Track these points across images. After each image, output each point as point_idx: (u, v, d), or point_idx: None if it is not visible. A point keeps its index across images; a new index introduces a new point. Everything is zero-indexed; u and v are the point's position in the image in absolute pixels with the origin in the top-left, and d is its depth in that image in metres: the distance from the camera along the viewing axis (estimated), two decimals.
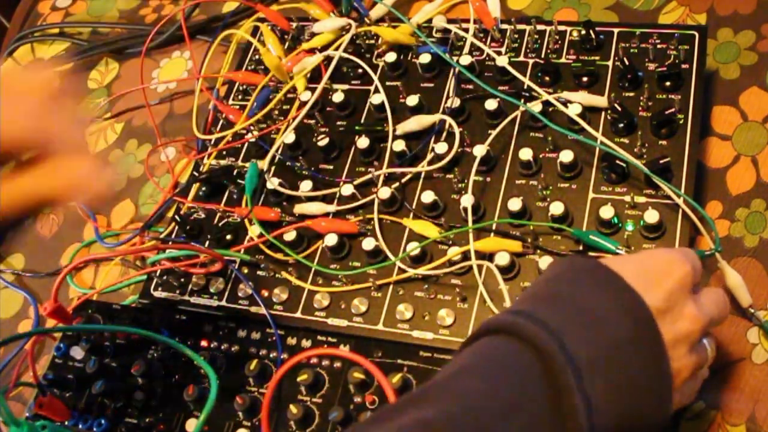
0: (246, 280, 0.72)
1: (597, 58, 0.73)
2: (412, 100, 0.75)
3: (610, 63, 0.73)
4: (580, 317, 0.46)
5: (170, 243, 0.77)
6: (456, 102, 0.74)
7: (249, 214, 0.74)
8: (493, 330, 0.47)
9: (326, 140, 0.76)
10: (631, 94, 0.70)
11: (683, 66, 0.70)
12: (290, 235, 0.71)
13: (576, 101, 0.69)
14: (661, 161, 0.64)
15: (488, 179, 0.70)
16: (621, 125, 0.68)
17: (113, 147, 0.94)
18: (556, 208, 0.65)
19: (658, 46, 0.72)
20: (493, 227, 0.68)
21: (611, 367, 0.44)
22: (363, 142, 0.74)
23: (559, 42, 0.76)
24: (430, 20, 0.82)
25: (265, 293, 0.71)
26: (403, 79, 0.79)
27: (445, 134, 0.74)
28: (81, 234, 0.89)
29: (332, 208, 0.73)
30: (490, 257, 0.65)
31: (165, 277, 0.75)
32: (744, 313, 0.61)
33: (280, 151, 0.78)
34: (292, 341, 0.68)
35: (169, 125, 0.93)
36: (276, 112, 0.82)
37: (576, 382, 0.43)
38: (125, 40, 1.02)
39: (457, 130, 0.72)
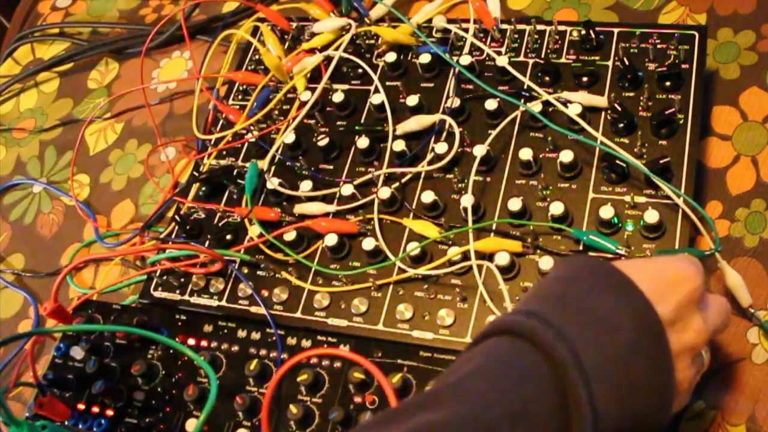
0: (246, 280, 0.72)
1: (597, 58, 0.73)
2: (412, 100, 0.75)
3: (610, 63, 0.73)
4: (593, 324, 0.45)
5: (170, 243, 0.77)
6: (456, 102, 0.74)
7: (249, 214, 0.74)
8: (505, 330, 0.46)
9: (326, 140, 0.76)
10: (631, 94, 0.70)
11: (683, 66, 0.70)
12: (290, 235, 0.71)
13: (576, 101, 0.69)
14: (661, 161, 0.64)
15: (488, 179, 0.70)
16: (621, 125, 0.68)
17: (113, 147, 0.94)
18: (556, 208, 0.65)
19: (658, 46, 0.72)
20: (493, 227, 0.68)
21: (619, 375, 0.44)
22: (363, 142, 0.74)
23: (559, 42, 0.76)
24: (430, 20, 0.82)
25: (265, 293, 0.71)
26: (403, 79, 0.79)
27: (445, 134, 0.74)
28: (81, 234, 0.89)
29: (332, 208, 0.73)
30: (490, 257, 0.65)
31: (165, 277, 0.75)
32: (744, 313, 0.61)
33: (280, 151, 0.78)
34: (292, 341, 0.68)
35: (169, 125, 0.93)
36: (276, 112, 0.82)
37: (585, 392, 0.43)
38: (125, 40, 1.02)
39: (457, 130, 0.72)
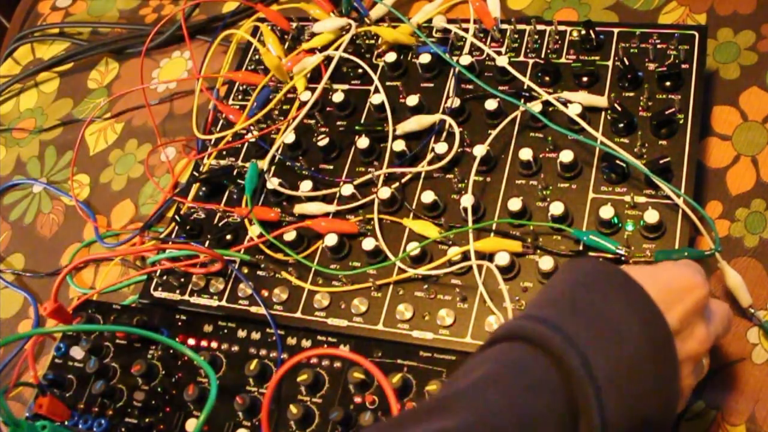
0: (246, 280, 0.72)
1: (597, 58, 0.73)
2: (412, 100, 0.75)
3: (610, 63, 0.73)
4: (604, 331, 0.45)
5: (170, 243, 0.77)
6: (456, 102, 0.74)
7: (249, 214, 0.74)
8: (516, 336, 0.46)
9: (326, 140, 0.76)
10: (631, 94, 0.70)
11: (683, 66, 0.70)
12: (290, 235, 0.71)
13: (576, 101, 0.69)
14: (661, 161, 0.64)
15: (488, 179, 0.70)
16: (621, 125, 0.68)
17: (113, 147, 0.94)
18: (556, 208, 0.65)
19: (658, 46, 0.72)
20: (493, 227, 0.68)
21: (628, 383, 0.44)
22: (363, 142, 0.74)
23: (559, 42, 0.76)
24: (430, 20, 0.82)
25: (265, 293, 0.71)
26: (403, 79, 0.79)
27: (445, 134, 0.74)
28: (81, 234, 0.89)
29: (332, 208, 0.73)
30: (490, 257, 0.65)
31: (165, 277, 0.75)
32: (744, 313, 0.61)
33: (280, 151, 0.78)
34: (292, 341, 0.68)
35: (169, 125, 0.93)
36: (276, 112, 0.82)
37: (596, 400, 0.43)
38: (125, 40, 1.02)
39: (457, 130, 0.72)
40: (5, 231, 0.94)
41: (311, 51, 0.84)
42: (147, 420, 0.68)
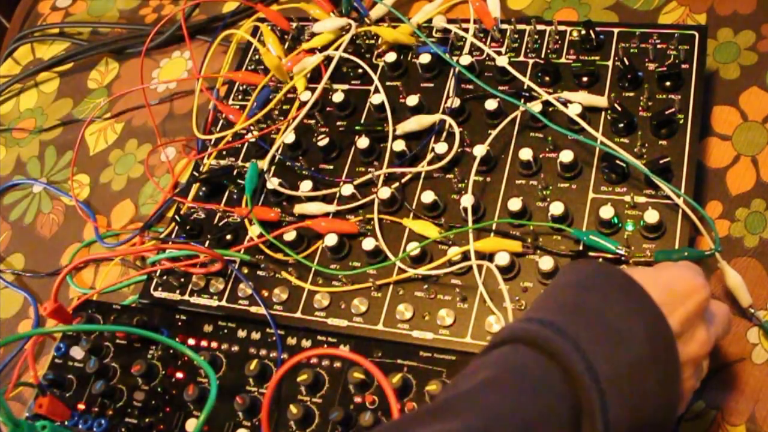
0: (246, 280, 0.72)
1: (597, 58, 0.73)
2: (412, 100, 0.75)
3: (610, 63, 0.73)
4: (608, 334, 0.45)
5: (170, 243, 0.77)
6: (456, 102, 0.74)
7: (249, 214, 0.74)
8: (519, 339, 0.46)
9: (326, 140, 0.76)
10: (631, 94, 0.70)
11: (683, 66, 0.70)
12: (290, 235, 0.71)
13: (576, 101, 0.69)
14: (661, 161, 0.64)
15: (488, 179, 0.70)
16: (621, 125, 0.68)
17: (113, 147, 0.94)
18: (556, 208, 0.65)
19: (658, 46, 0.72)
20: (493, 227, 0.68)
21: (631, 386, 0.44)
22: (363, 142, 0.74)
23: (559, 42, 0.76)
24: (430, 20, 0.82)
25: (265, 293, 0.71)
26: (403, 79, 0.79)
27: (445, 134, 0.74)
28: (81, 234, 0.89)
29: (332, 208, 0.73)
30: (490, 257, 0.65)
31: (165, 277, 0.75)
32: (744, 313, 0.61)
33: (280, 151, 0.78)
34: (292, 341, 0.68)
35: (169, 125, 0.93)
36: (276, 112, 0.82)
37: (600, 403, 0.43)
38: (125, 40, 1.02)
39: (457, 130, 0.72)
40: (5, 231, 0.94)
41: (311, 51, 0.84)
42: (147, 420, 0.68)
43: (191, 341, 0.70)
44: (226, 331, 0.70)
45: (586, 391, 0.43)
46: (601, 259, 0.63)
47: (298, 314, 0.69)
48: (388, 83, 0.79)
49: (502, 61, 0.74)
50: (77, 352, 0.73)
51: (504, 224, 0.67)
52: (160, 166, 0.89)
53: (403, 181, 0.73)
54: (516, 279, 0.65)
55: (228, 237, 0.75)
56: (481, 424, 0.41)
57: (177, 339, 0.70)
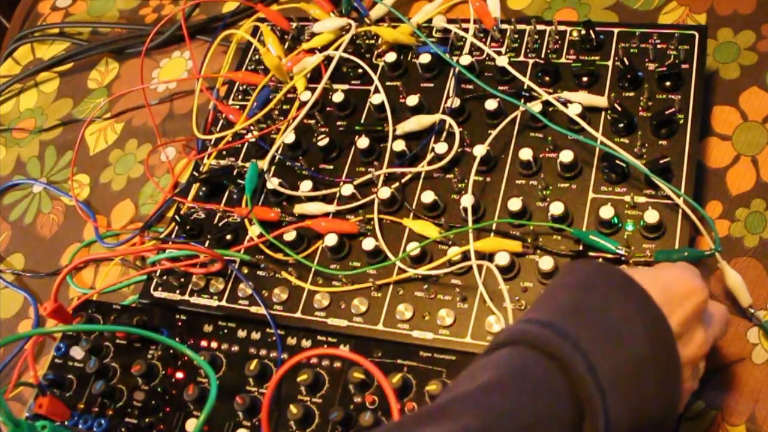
0: (246, 280, 0.72)
1: (597, 58, 0.73)
2: (412, 100, 0.75)
3: (610, 63, 0.73)
4: (609, 335, 0.45)
5: (170, 243, 0.77)
6: (456, 102, 0.74)
7: (249, 214, 0.74)
8: (520, 341, 0.46)
9: (326, 140, 0.76)
10: (631, 94, 0.70)
11: (683, 66, 0.70)
12: (290, 235, 0.71)
13: (576, 101, 0.69)
14: (661, 161, 0.64)
15: (488, 179, 0.70)
16: (621, 125, 0.68)
17: (113, 147, 0.94)
18: (556, 208, 0.65)
19: (658, 46, 0.72)
20: (493, 227, 0.68)
21: (632, 387, 0.44)
22: (363, 142, 0.74)
23: (559, 42, 0.76)
24: (430, 20, 0.82)
25: (265, 293, 0.71)
26: (403, 79, 0.79)
27: (445, 134, 0.74)
28: (81, 234, 0.89)
29: (332, 208, 0.73)
30: (490, 257, 0.65)
31: (165, 277, 0.75)
32: (744, 313, 0.61)
33: (280, 151, 0.78)
34: (292, 341, 0.68)
35: (169, 125, 0.93)
36: (276, 112, 0.82)
37: (601, 404, 0.43)
38: (125, 40, 1.02)
39: (457, 130, 0.72)
40: (5, 231, 0.94)
41: (311, 51, 0.84)
42: (147, 420, 0.68)
43: (191, 341, 0.70)
44: (226, 331, 0.70)
45: (587, 391, 0.43)
46: (601, 259, 0.63)
47: (298, 314, 0.69)
48: (388, 83, 0.79)
49: (502, 61, 0.74)
50: (77, 352, 0.73)
51: (504, 224, 0.67)
52: (160, 166, 0.89)
53: (403, 181, 0.73)
54: (516, 279, 0.65)
55: (228, 237, 0.75)
56: (482, 425, 0.41)
57: (177, 339, 0.70)
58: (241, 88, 0.86)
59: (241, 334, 0.70)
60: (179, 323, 0.72)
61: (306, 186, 0.75)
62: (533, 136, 0.71)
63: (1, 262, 0.91)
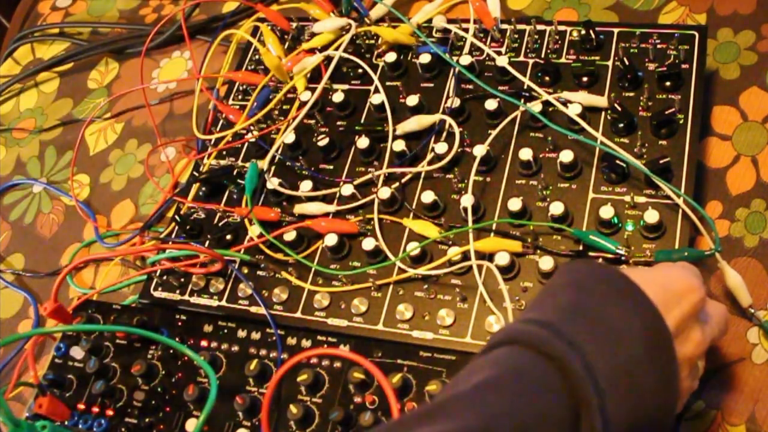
0: (246, 280, 0.72)
1: (597, 58, 0.73)
2: (412, 100, 0.75)
3: (610, 63, 0.73)
4: (605, 334, 0.45)
5: (170, 243, 0.77)
6: (456, 102, 0.74)
7: (249, 214, 0.74)
8: (517, 340, 0.46)
9: (326, 140, 0.76)
10: (631, 94, 0.70)
11: (683, 66, 0.70)
12: (290, 235, 0.71)
13: (576, 101, 0.69)
14: (661, 161, 0.64)
15: (488, 179, 0.70)
16: (621, 125, 0.68)
17: (113, 147, 0.94)
18: (556, 208, 0.65)
19: (658, 46, 0.72)
20: (493, 227, 0.68)
21: (629, 385, 0.44)
22: (363, 142, 0.74)
23: (559, 42, 0.76)
24: (430, 20, 0.82)
25: (265, 293, 0.71)
26: (403, 79, 0.79)
27: (445, 134, 0.74)
28: (81, 234, 0.89)
29: (332, 208, 0.73)
30: (490, 257, 0.65)
31: (165, 277, 0.75)
32: (744, 313, 0.61)
33: (280, 151, 0.78)
34: (292, 341, 0.68)
35: (169, 125, 0.93)
36: (276, 112, 0.82)
37: (598, 403, 0.43)
38: (125, 40, 1.02)
39: (457, 130, 0.72)
40: (5, 231, 0.94)
41: (311, 51, 0.84)
42: (147, 420, 0.68)
43: (191, 341, 0.70)
44: (226, 331, 0.70)
45: (584, 390, 0.43)
46: (600, 259, 0.63)
47: (298, 314, 0.69)
48: (388, 83, 0.79)
49: (502, 61, 0.74)
50: (77, 352, 0.73)
51: (504, 224, 0.67)
52: (160, 166, 0.89)
53: (403, 181, 0.73)
54: (516, 279, 0.65)
55: (228, 237, 0.75)
56: (479, 424, 0.41)
57: (177, 339, 0.70)
58: (241, 88, 0.86)
59: (241, 334, 0.70)
60: (179, 323, 0.72)
61: (306, 186, 0.75)
62: (533, 136, 0.71)
63: (1, 262, 0.91)
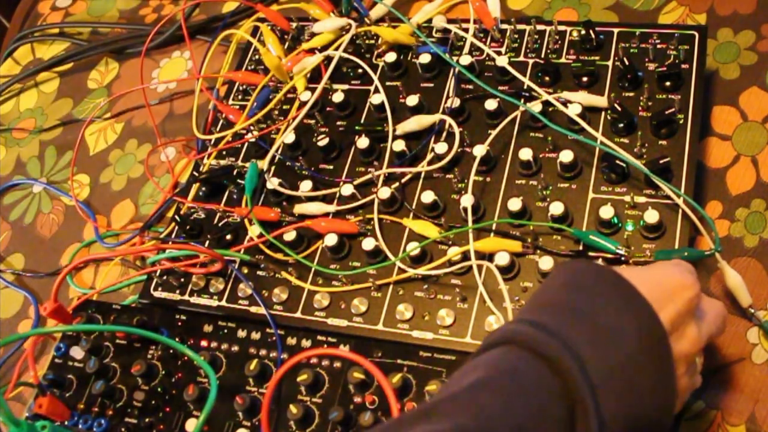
0: (246, 280, 0.72)
1: (597, 58, 0.73)
2: (412, 100, 0.75)
3: (610, 63, 0.73)
4: (599, 333, 0.45)
5: (170, 243, 0.77)
6: (456, 102, 0.74)
7: (249, 214, 0.74)
8: (511, 341, 0.46)
9: (326, 140, 0.76)
10: (631, 94, 0.70)
11: (683, 66, 0.70)
12: (290, 235, 0.71)
13: (576, 101, 0.69)
14: (661, 161, 0.64)
15: (488, 179, 0.70)
16: (621, 125, 0.68)
17: (113, 147, 0.94)
18: (556, 208, 0.65)
19: (658, 46, 0.72)
20: (493, 227, 0.68)
21: (624, 384, 0.44)
22: (363, 142, 0.74)
23: (559, 42, 0.76)
24: (430, 20, 0.82)
25: (265, 293, 0.71)
26: (403, 79, 0.79)
27: (445, 134, 0.74)
28: (81, 234, 0.89)
29: (332, 208, 0.73)
30: (490, 257, 0.65)
31: (165, 277, 0.75)
32: (744, 313, 0.61)
33: (280, 151, 0.78)
34: (292, 341, 0.68)
35: (169, 125, 0.93)
36: (276, 112, 0.82)
37: (592, 403, 0.43)
38: (125, 40, 1.02)
39: (457, 130, 0.72)
40: (5, 231, 0.94)
41: (311, 51, 0.84)
42: (147, 420, 0.68)
43: (191, 341, 0.70)
44: (226, 331, 0.70)
45: (578, 389, 0.43)
46: (600, 260, 0.63)
47: (298, 314, 0.69)
48: (388, 83, 0.79)
49: (502, 61, 0.74)
50: (77, 352, 0.73)
51: (504, 224, 0.67)
52: (160, 166, 0.89)
53: (403, 181, 0.73)
54: (516, 279, 0.65)
55: (228, 237, 0.75)
56: (474, 424, 0.41)
57: (177, 339, 0.70)
58: (241, 88, 0.86)
59: (241, 334, 0.70)
60: (179, 323, 0.72)
61: (306, 186, 0.75)
62: (533, 136, 0.71)
63: (1, 262, 0.91)
